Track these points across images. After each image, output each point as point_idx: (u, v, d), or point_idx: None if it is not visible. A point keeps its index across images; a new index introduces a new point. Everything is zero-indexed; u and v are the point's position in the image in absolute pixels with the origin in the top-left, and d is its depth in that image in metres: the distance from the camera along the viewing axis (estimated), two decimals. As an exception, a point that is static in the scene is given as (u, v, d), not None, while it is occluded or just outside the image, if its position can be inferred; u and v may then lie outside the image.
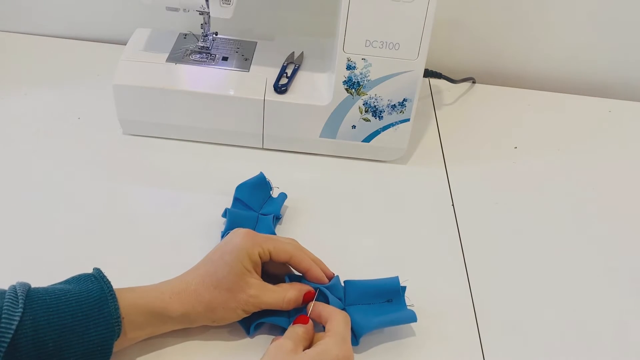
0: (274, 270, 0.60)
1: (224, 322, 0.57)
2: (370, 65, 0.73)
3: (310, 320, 0.56)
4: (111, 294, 0.51)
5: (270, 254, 0.57)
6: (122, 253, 0.65)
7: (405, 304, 0.60)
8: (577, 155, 0.86)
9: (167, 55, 0.79)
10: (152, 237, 0.67)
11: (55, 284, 0.52)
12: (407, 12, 0.69)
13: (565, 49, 0.98)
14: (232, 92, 0.76)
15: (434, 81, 0.96)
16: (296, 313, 0.58)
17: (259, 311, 0.57)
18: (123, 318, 0.52)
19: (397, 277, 0.61)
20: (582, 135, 0.90)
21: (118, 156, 0.77)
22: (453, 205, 0.76)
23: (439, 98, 0.94)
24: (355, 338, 0.57)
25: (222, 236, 0.66)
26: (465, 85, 0.97)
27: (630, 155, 0.87)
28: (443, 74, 0.90)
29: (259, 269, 0.58)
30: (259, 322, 0.58)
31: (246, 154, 0.79)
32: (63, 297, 0.50)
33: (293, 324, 0.56)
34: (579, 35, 0.96)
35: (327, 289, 0.58)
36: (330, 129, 0.77)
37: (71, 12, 0.96)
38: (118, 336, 0.51)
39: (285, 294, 0.57)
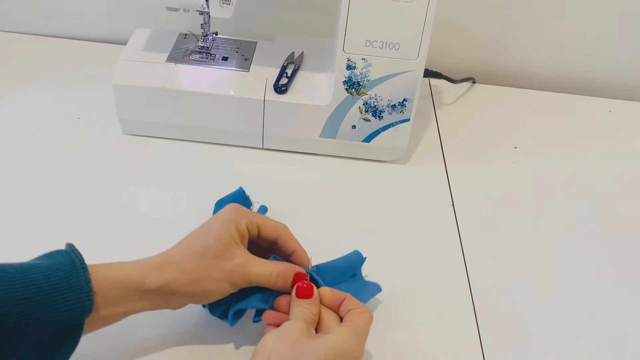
0: (258, 254, 0.56)
1: (208, 299, 0.53)
2: (370, 65, 0.73)
3: (315, 295, 0.53)
4: (82, 267, 0.48)
5: (258, 228, 0.55)
6: (121, 253, 0.64)
7: (362, 277, 0.61)
8: (577, 155, 0.86)
9: (167, 55, 0.79)
10: (152, 237, 0.67)
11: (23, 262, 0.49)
12: (407, 12, 0.69)
13: (566, 49, 0.98)
14: (232, 92, 0.76)
15: (434, 81, 0.96)
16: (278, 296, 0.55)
17: (238, 297, 0.54)
18: (95, 292, 0.48)
19: (357, 251, 0.61)
20: (582, 135, 0.90)
21: (118, 156, 0.77)
22: (453, 205, 0.76)
23: (439, 98, 0.94)
24: None
25: None
26: (465, 85, 0.97)
27: (631, 155, 0.87)
28: (443, 74, 0.90)
29: (246, 242, 0.55)
30: (239, 308, 0.55)
31: (246, 154, 0.79)
32: (29, 271, 0.46)
33: (296, 291, 0.53)
34: (579, 35, 0.96)
35: (316, 274, 0.57)
36: (330, 129, 0.77)
37: (71, 12, 0.96)
38: (89, 312, 0.48)
39: (275, 268, 0.54)
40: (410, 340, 0.60)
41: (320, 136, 0.78)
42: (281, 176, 0.76)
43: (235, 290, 0.54)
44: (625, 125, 0.93)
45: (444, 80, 0.91)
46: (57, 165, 0.75)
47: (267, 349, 0.48)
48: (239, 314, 0.56)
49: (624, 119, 0.94)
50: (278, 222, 0.58)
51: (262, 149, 0.80)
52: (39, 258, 0.50)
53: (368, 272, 0.62)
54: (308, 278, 0.56)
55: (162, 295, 0.52)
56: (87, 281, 0.48)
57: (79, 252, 0.50)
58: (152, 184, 0.74)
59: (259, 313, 0.56)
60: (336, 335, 0.50)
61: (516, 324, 0.63)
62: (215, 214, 0.56)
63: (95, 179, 0.74)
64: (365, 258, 0.61)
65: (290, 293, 0.55)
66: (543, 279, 0.68)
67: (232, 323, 0.56)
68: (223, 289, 0.53)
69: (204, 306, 0.58)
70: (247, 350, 0.57)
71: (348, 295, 0.55)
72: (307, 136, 0.78)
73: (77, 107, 0.84)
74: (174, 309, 0.54)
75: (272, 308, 0.55)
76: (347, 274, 0.60)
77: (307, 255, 0.58)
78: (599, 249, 0.72)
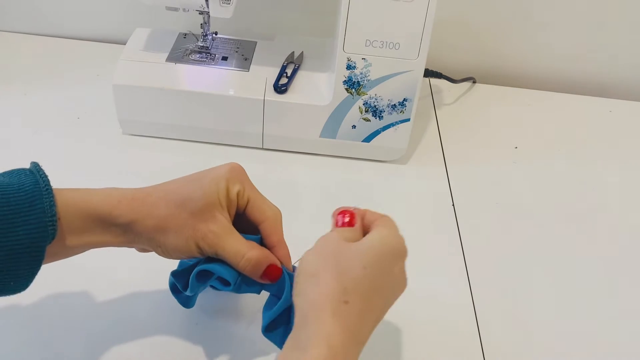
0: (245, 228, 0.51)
1: (171, 254, 0.49)
2: (370, 65, 0.73)
3: (357, 221, 0.50)
4: (47, 189, 0.44)
5: (247, 202, 0.50)
6: (121, 253, 0.65)
7: None
8: (577, 155, 0.86)
9: (166, 55, 0.79)
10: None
11: None
12: (407, 12, 0.69)
13: (566, 49, 0.98)
14: (232, 92, 0.76)
15: (434, 81, 0.96)
16: (246, 282, 0.49)
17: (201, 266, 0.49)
18: (59, 219, 0.44)
19: None
20: (582, 135, 0.90)
21: (118, 156, 0.77)
22: (453, 205, 0.76)
23: (439, 98, 0.94)
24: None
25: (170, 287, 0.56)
26: (466, 85, 0.97)
27: (631, 155, 0.87)
28: (443, 74, 0.90)
29: (233, 211, 0.50)
30: (203, 269, 0.49)
31: (246, 154, 0.79)
32: None
33: (263, 275, 0.48)
34: (579, 35, 0.96)
35: (289, 278, 0.50)
36: (330, 129, 0.77)
37: (71, 13, 0.96)
38: (52, 239, 0.44)
39: (249, 251, 0.48)
40: (410, 340, 0.60)
41: (320, 136, 0.78)
42: (281, 176, 0.76)
43: (201, 257, 0.50)
44: (625, 125, 0.93)
45: (444, 80, 0.91)
46: (57, 165, 0.75)
47: (310, 270, 0.45)
48: (202, 279, 0.51)
49: (624, 119, 0.94)
50: (273, 206, 0.52)
51: (262, 149, 0.80)
52: (1, 174, 0.45)
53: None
54: (283, 275, 0.50)
55: (127, 233, 0.48)
56: (52, 205, 0.43)
57: (45, 173, 0.45)
58: (152, 184, 0.74)
59: (218, 280, 0.50)
60: (374, 235, 0.47)
61: (516, 324, 0.63)
62: (213, 167, 0.51)
63: (95, 179, 0.73)
64: None
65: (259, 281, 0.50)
66: (543, 279, 0.68)
67: (193, 290, 0.51)
68: (188, 248, 0.48)
69: (170, 287, 0.54)
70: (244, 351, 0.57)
71: (367, 211, 0.51)
72: (307, 136, 0.78)
73: (77, 107, 0.84)
74: (138, 250, 0.51)
75: (240, 286, 0.50)
76: None
77: (289, 254, 0.52)
78: (599, 248, 0.72)
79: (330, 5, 0.77)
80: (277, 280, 0.50)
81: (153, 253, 0.51)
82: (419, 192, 0.77)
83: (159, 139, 0.80)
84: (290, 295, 0.48)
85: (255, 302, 0.59)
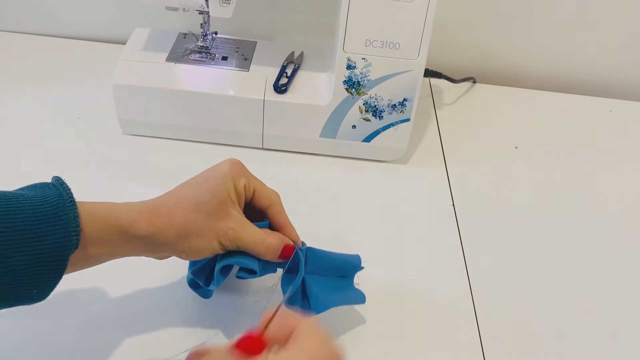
0: (250, 215, 0.54)
1: (195, 256, 0.52)
2: (370, 65, 0.73)
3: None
4: (71, 201, 0.46)
5: (254, 192, 0.53)
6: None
7: (353, 282, 0.59)
8: (577, 155, 0.86)
9: (166, 55, 0.79)
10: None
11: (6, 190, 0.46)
12: (407, 12, 0.69)
13: (566, 49, 0.98)
14: (232, 92, 0.76)
15: (434, 81, 0.96)
16: (265, 266, 0.53)
17: (223, 257, 0.52)
18: (82, 230, 0.46)
19: (358, 256, 0.59)
20: (582, 135, 0.90)
21: (118, 156, 0.77)
22: (453, 205, 0.76)
23: (439, 98, 0.94)
24: (310, 309, 0.54)
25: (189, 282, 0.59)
26: (466, 85, 0.97)
27: (631, 155, 0.87)
28: (443, 73, 0.90)
29: (242, 203, 0.53)
30: (227, 264, 0.53)
31: (246, 154, 0.79)
32: (14, 200, 0.44)
33: (280, 256, 0.52)
34: (579, 35, 0.96)
35: (301, 252, 0.55)
36: (330, 129, 0.77)
37: (71, 12, 0.96)
38: (75, 248, 0.45)
39: (267, 238, 0.52)
40: (410, 340, 0.60)
41: (320, 136, 0.78)
42: (281, 176, 0.76)
43: (223, 252, 0.52)
44: (625, 125, 0.93)
45: (444, 80, 0.91)
46: (57, 165, 0.75)
47: None
48: (225, 272, 0.54)
49: (625, 119, 0.94)
50: (273, 191, 0.56)
51: (262, 149, 0.80)
52: (22, 189, 0.47)
53: (368, 270, 0.62)
54: (293, 255, 0.54)
55: (149, 244, 0.50)
56: (75, 216, 0.45)
57: (67, 186, 0.47)
58: (152, 184, 0.74)
59: (243, 270, 0.54)
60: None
61: (516, 324, 0.63)
62: (214, 166, 0.53)
63: (95, 179, 0.73)
64: (362, 267, 0.59)
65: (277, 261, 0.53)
66: (543, 279, 0.68)
67: (218, 283, 0.54)
68: (212, 248, 0.51)
69: (189, 283, 0.57)
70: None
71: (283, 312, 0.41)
72: (307, 136, 0.78)
73: (77, 107, 0.84)
74: (158, 259, 0.52)
75: (262, 270, 0.53)
76: (337, 272, 0.58)
77: (295, 232, 0.56)
78: (599, 248, 0.72)
79: (330, 5, 0.77)
80: (291, 257, 0.53)
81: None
82: (419, 192, 0.77)
83: (159, 139, 0.80)
84: (304, 269, 0.54)
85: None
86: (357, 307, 0.61)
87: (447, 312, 0.63)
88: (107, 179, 0.74)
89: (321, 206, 0.74)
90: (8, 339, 0.55)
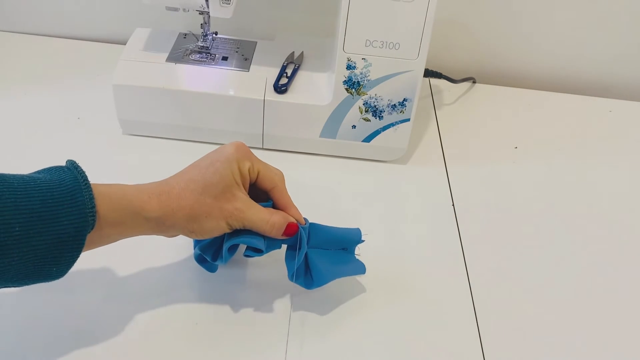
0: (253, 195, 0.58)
1: (204, 235, 0.55)
2: (370, 65, 0.73)
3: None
4: (86, 184, 0.48)
5: (258, 174, 0.56)
6: (121, 253, 0.65)
7: (354, 254, 0.62)
8: (577, 155, 0.86)
9: (166, 55, 0.79)
10: (152, 237, 0.67)
11: (23, 174, 0.48)
12: (407, 12, 0.69)
13: (566, 49, 0.98)
14: (232, 92, 0.76)
15: (434, 81, 0.96)
16: (270, 243, 0.57)
17: (230, 236, 0.56)
18: (97, 211, 0.48)
19: (359, 229, 0.62)
20: (582, 135, 0.90)
21: (118, 156, 0.77)
22: (453, 205, 0.76)
23: (439, 98, 0.94)
24: (312, 282, 0.58)
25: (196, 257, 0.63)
26: (465, 85, 0.97)
27: (631, 155, 0.87)
28: (443, 74, 0.90)
29: (247, 185, 0.56)
30: (234, 243, 0.56)
31: (246, 154, 0.79)
32: (32, 183, 0.46)
33: (284, 234, 0.56)
34: (579, 35, 0.96)
35: (304, 231, 0.58)
36: (330, 129, 0.77)
37: (71, 12, 0.96)
38: (92, 228, 0.48)
39: (271, 216, 0.55)
40: (410, 340, 0.60)
41: (320, 136, 0.78)
42: (281, 176, 0.76)
43: (230, 231, 0.55)
44: (625, 126, 0.93)
45: (444, 80, 0.91)
46: (57, 165, 0.75)
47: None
48: (232, 250, 0.57)
49: (625, 119, 0.94)
50: (277, 171, 0.59)
51: (262, 149, 0.80)
52: (38, 172, 0.49)
53: (368, 270, 0.62)
54: (299, 230, 0.57)
55: (159, 225, 0.53)
56: (91, 197, 0.48)
57: (82, 169, 0.50)
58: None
59: (250, 249, 0.57)
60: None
61: (516, 324, 0.63)
62: (219, 148, 0.56)
63: (95, 179, 0.73)
64: (363, 240, 0.62)
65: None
66: (543, 279, 0.68)
67: (226, 260, 0.57)
68: (220, 228, 0.54)
69: (195, 258, 0.60)
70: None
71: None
72: (307, 136, 0.78)
73: (77, 107, 0.84)
74: (168, 237, 0.55)
75: (267, 248, 0.57)
76: (338, 244, 0.61)
77: (298, 211, 0.59)
78: (599, 248, 0.72)
79: (330, 5, 0.77)
80: (294, 234, 0.57)
81: (151, 254, 0.54)
82: (419, 192, 0.77)
83: (159, 139, 0.80)
84: (307, 245, 0.58)
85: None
86: (358, 277, 0.64)
87: (447, 312, 0.63)
88: (107, 179, 0.73)
89: (321, 206, 0.74)
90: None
